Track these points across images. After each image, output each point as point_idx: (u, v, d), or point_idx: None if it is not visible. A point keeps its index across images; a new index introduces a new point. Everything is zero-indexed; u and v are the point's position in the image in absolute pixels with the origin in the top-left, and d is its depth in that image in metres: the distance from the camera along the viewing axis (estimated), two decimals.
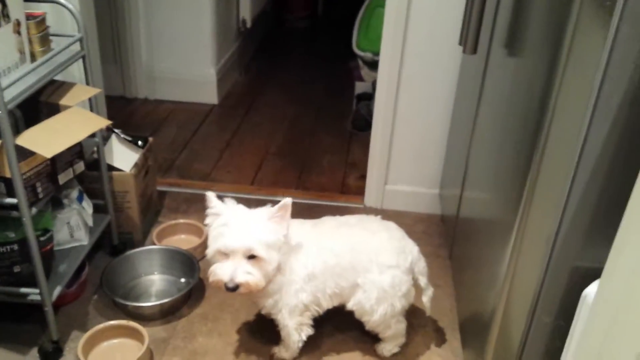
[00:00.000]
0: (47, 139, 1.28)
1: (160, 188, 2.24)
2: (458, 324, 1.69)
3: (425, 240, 2.10)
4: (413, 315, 1.73)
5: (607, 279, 0.99)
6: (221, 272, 1.34)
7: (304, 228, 1.51)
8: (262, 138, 2.85)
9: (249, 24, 3.66)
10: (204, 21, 3.04)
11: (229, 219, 1.37)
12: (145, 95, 3.18)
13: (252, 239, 1.33)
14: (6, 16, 1.29)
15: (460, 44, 1.62)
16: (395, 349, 1.60)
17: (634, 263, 0.89)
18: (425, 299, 1.56)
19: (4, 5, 1.27)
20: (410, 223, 2.18)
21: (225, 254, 1.34)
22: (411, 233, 2.10)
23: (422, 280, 1.55)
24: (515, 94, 1.29)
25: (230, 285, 1.33)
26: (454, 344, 1.64)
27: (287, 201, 1.36)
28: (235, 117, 3.07)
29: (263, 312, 1.56)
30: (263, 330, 1.65)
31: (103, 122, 1.43)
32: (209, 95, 3.20)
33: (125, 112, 3.00)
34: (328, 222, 1.57)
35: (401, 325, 1.58)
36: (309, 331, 1.52)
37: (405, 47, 2.01)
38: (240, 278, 1.33)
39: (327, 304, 1.52)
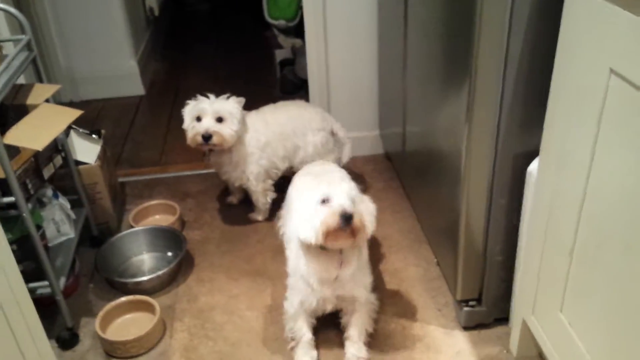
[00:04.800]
0: (31, 134, 1.34)
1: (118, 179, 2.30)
2: (425, 236, 1.92)
3: (377, 177, 2.33)
4: (384, 239, 1.95)
5: (544, 153, 1.23)
6: (197, 128, 1.81)
7: (251, 115, 1.98)
8: None
9: (156, 12, 3.68)
10: (115, 15, 3.05)
11: (200, 99, 1.86)
12: (70, 99, 3.15)
13: (219, 105, 1.83)
14: None
15: None
16: None
17: (562, 137, 1.14)
18: (346, 150, 2.09)
19: None
20: (360, 165, 2.39)
21: (198, 119, 1.82)
22: (363, 173, 2.34)
23: (341, 134, 2.08)
24: (440, 19, 1.50)
25: (205, 134, 1.79)
26: (424, 253, 1.87)
27: (242, 99, 1.90)
28: (166, 103, 3.12)
29: (236, 184, 2.02)
30: (258, 278, 1.81)
31: (76, 113, 1.50)
32: (135, 87, 3.23)
33: None
34: (268, 107, 2.05)
35: None
36: (273, 194, 2.04)
37: (326, 1, 2.17)
38: (212, 128, 1.79)
39: (281, 166, 2.01)
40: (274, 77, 3.28)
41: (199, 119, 1.82)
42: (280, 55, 3.27)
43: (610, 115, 0.98)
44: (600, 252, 1.05)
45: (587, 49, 1.02)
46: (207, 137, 1.80)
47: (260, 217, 2.10)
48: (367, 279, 1.48)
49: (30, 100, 1.52)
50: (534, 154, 1.30)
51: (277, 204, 1.94)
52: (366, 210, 1.34)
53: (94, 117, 3.00)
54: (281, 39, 3.30)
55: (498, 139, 1.33)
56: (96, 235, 1.94)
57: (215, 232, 2.06)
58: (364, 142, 2.46)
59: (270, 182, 2.03)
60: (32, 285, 1.50)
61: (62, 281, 1.56)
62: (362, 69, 2.34)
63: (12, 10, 1.56)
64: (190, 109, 1.86)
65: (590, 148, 1.04)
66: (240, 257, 1.92)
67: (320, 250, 1.37)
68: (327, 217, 1.28)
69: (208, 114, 1.80)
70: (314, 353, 1.52)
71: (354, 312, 1.49)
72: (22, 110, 1.51)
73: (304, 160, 2.00)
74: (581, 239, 1.11)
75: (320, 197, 1.31)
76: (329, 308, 1.47)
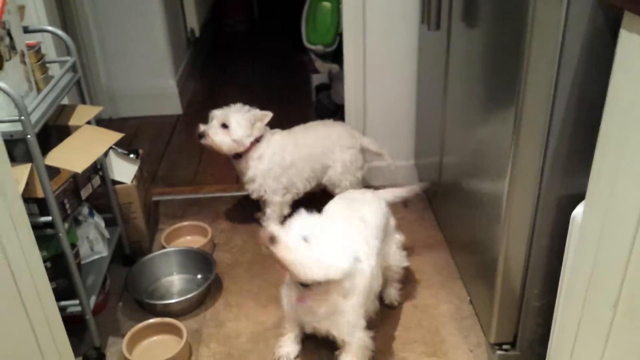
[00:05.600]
0: (72, 156, 1.36)
1: (152, 198, 2.32)
2: (458, 272, 1.88)
3: (410, 207, 2.29)
4: (415, 272, 1.91)
5: (590, 199, 1.18)
6: (200, 127, 1.97)
7: (283, 133, 2.06)
8: None
9: (197, 33, 3.75)
10: (157, 35, 3.11)
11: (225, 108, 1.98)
12: (109, 116, 3.22)
13: (228, 113, 1.95)
14: (13, 48, 1.36)
15: (422, 22, 1.80)
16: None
17: (610, 182, 1.09)
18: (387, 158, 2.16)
19: (11, 38, 1.34)
20: None
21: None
22: (395, 203, 2.30)
23: (373, 147, 2.15)
24: (485, 59, 1.48)
25: (199, 132, 1.96)
26: (457, 290, 1.83)
27: (269, 113, 1.98)
28: (203, 123, 3.15)
29: (253, 196, 2.07)
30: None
31: (117, 135, 1.53)
32: (173, 106, 3.28)
33: None
34: (299, 128, 2.12)
35: None
36: (288, 210, 2.05)
37: (366, 30, 2.18)
38: (209, 131, 1.94)
39: (303, 187, 2.07)
40: (309, 100, 3.29)
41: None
42: (316, 80, 3.28)
43: None
44: None
45: None
46: (200, 136, 1.96)
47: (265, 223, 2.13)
48: (352, 322, 1.44)
49: (72, 122, 1.55)
50: (579, 197, 1.24)
51: None
52: (310, 256, 1.29)
53: (131, 134, 3.05)
54: (318, 63, 3.32)
55: (542, 179, 1.30)
56: (128, 254, 1.95)
57: (245, 255, 2.05)
58: (398, 171, 2.43)
59: (289, 197, 2.08)
60: (63, 303, 1.51)
61: (93, 300, 1.57)
62: (400, 97, 2.32)
63: (60, 32, 1.60)
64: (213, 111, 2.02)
65: (639, 199, 0.99)
66: (269, 283, 1.90)
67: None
68: (263, 232, 1.30)
69: (215, 118, 1.96)
70: (297, 347, 1.61)
71: (343, 349, 1.50)
72: (65, 131, 1.54)
73: (333, 177, 2.09)
74: (627, 293, 1.05)
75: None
76: (307, 329, 1.53)
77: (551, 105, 1.22)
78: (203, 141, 1.96)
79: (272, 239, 1.28)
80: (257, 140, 2.00)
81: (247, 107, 2.00)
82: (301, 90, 3.40)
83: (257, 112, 1.99)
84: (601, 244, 1.14)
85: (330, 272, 1.32)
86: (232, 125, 1.94)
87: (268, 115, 1.99)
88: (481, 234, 1.56)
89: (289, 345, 1.61)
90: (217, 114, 1.97)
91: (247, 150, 1.99)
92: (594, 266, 1.17)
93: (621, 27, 1.03)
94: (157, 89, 3.22)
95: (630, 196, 1.01)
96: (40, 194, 1.35)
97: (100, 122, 3.08)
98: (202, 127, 1.97)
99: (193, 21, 3.71)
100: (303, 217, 1.36)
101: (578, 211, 1.25)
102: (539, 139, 1.26)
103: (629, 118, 1.01)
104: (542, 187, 1.30)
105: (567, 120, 1.23)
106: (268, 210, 2.10)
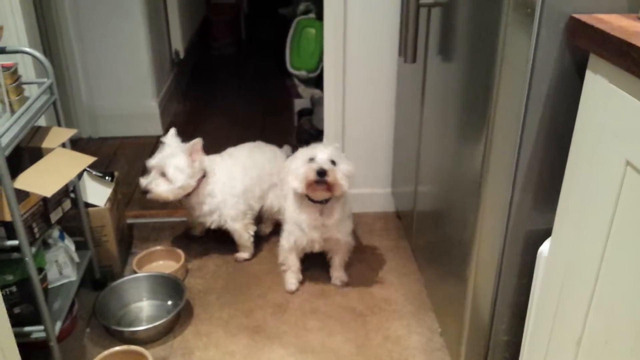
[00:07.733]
0: (42, 180, 1.35)
1: (127, 221, 2.29)
2: (430, 303, 1.88)
3: (386, 235, 2.29)
4: (388, 303, 1.91)
5: (556, 236, 1.20)
6: (140, 180, 1.92)
7: (224, 158, 2.08)
8: None
9: (182, 55, 3.76)
10: (140, 56, 3.12)
11: (159, 150, 1.95)
12: (89, 135, 3.20)
13: (163, 160, 1.88)
14: None
15: (400, 55, 1.83)
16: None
17: (576, 219, 1.11)
18: None
19: None
20: (370, 222, 2.36)
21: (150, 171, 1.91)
22: (372, 230, 2.31)
23: None
24: (458, 93, 1.50)
25: (143, 189, 1.90)
26: (428, 322, 1.83)
27: (197, 140, 1.92)
28: (185, 142, 3.14)
29: (212, 227, 2.07)
30: (256, 336, 1.77)
31: (89, 159, 1.52)
32: (153, 127, 3.27)
33: None
34: (241, 152, 2.13)
35: None
36: (254, 228, 2.12)
37: (346, 59, 2.21)
38: (150, 185, 1.88)
39: (257, 206, 2.12)
40: (291, 125, 3.31)
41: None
42: (299, 104, 3.30)
43: (625, 207, 0.95)
44: (608, 346, 1.01)
45: (604, 138, 1.00)
46: (145, 192, 1.90)
47: (247, 254, 2.13)
48: (349, 227, 1.92)
49: (45, 144, 1.54)
50: (546, 233, 1.27)
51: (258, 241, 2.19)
52: (342, 171, 1.72)
53: (111, 154, 3.04)
54: (301, 89, 3.35)
55: (510, 214, 1.31)
56: (98, 278, 1.92)
57: (217, 282, 2.03)
58: (375, 198, 2.44)
59: (249, 217, 2.10)
60: (28, 329, 1.48)
61: (58, 326, 1.54)
62: (378, 125, 2.35)
63: (37, 54, 1.59)
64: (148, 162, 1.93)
65: (603, 238, 1.00)
66: (240, 311, 1.88)
67: (309, 201, 1.77)
68: (307, 171, 1.68)
69: (154, 169, 1.89)
70: (300, 276, 1.98)
71: (337, 251, 1.95)
72: (37, 154, 1.53)
73: (278, 197, 2.12)
74: (590, 330, 1.06)
75: (309, 157, 1.72)
76: (316, 247, 1.91)
77: (519, 141, 1.24)
78: (149, 196, 1.89)
79: (322, 172, 1.66)
80: (203, 175, 1.96)
81: (174, 141, 1.95)
82: (284, 115, 3.42)
83: (186, 146, 1.91)
84: (566, 280, 1.15)
85: (348, 185, 1.75)
86: (170, 173, 1.86)
87: (197, 143, 1.91)
88: (451, 266, 1.57)
89: (296, 276, 1.95)
90: (153, 164, 1.89)
91: (197, 187, 1.95)
92: (558, 302, 1.18)
93: (587, 68, 1.06)
94: (139, 109, 3.21)
95: (595, 233, 1.03)
96: (7, 217, 1.33)
97: (79, 141, 3.12)
98: (143, 182, 1.89)
99: (178, 43, 3.73)
100: (316, 147, 1.75)
101: (545, 247, 1.27)
102: (507, 173, 1.27)
103: (594, 156, 1.04)
104: (510, 222, 1.31)
105: (535, 155, 1.24)
106: (239, 241, 2.09)
